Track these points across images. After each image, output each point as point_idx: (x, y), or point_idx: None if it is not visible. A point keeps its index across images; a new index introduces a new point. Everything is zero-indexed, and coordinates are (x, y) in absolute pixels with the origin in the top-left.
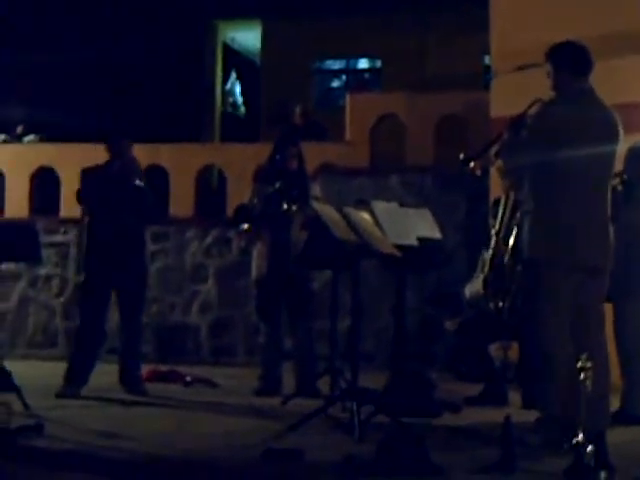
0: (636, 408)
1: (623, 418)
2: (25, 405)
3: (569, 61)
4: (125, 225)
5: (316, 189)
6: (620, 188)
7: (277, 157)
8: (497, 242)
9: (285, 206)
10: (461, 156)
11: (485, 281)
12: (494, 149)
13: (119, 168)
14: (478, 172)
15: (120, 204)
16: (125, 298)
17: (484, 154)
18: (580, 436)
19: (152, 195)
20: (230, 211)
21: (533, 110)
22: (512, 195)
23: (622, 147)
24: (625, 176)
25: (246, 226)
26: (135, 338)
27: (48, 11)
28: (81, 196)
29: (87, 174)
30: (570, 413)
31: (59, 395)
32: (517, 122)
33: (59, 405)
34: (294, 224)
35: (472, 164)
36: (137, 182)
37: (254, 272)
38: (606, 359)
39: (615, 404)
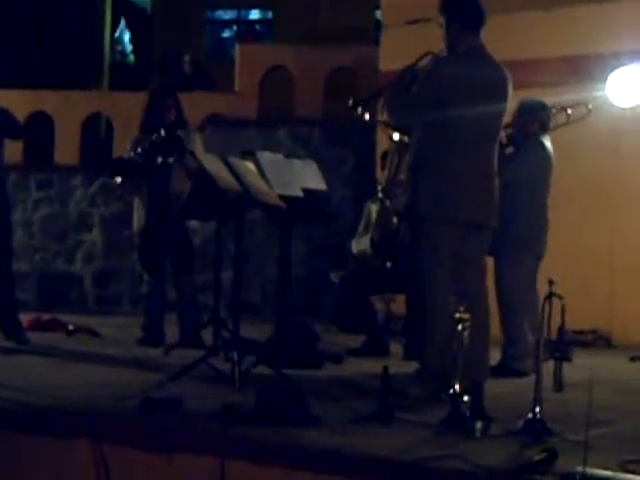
0: (516, 361)
1: (503, 371)
2: None
3: (461, 14)
4: None
5: (199, 138)
6: (505, 142)
7: (153, 106)
8: (384, 199)
9: (159, 159)
10: (350, 101)
11: (372, 238)
12: (382, 100)
13: None
14: (366, 117)
15: None
16: None
17: (372, 101)
18: (457, 387)
19: (4, 111)
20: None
21: (423, 63)
22: (396, 154)
23: (511, 104)
24: (510, 130)
25: (119, 180)
26: (9, 284)
27: None
28: None
29: None
30: (448, 364)
31: None
32: (406, 73)
33: None
34: (173, 176)
35: (360, 109)
36: None
37: (135, 224)
38: (486, 312)
39: (496, 357)
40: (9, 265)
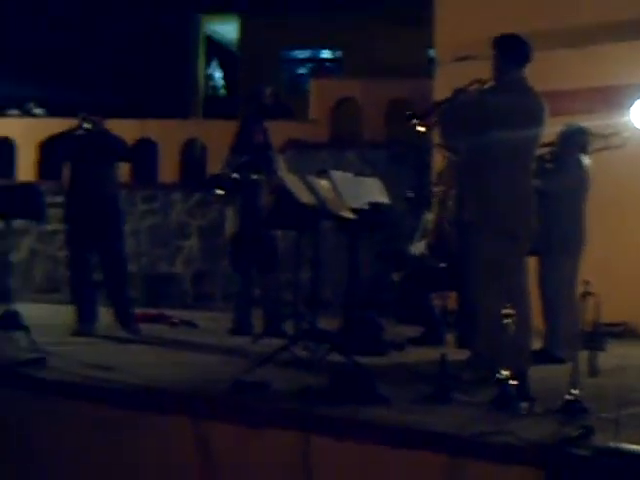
0: (556, 349)
1: (545, 357)
2: (32, 341)
3: (510, 50)
4: (98, 179)
5: (281, 160)
6: (547, 157)
7: (244, 132)
8: (439, 210)
9: (253, 176)
10: (407, 113)
11: (429, 243)
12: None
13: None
14: (420, 129)
15: (90, 160)
16: (106, 247)
17: (427, 115)
18: (504, 372)
19: (119, 139)
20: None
21: (473, 90)
22: (450, 172)
23: (553, 127)
24: (553, 148)
25: (219, 192)
26: (124, 283)
27: (58, 5)
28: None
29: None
30: (496, 352)
31: (75, 333)
32: (457, 94)
33: (63, 341)
34: (261, 190)
35: (415, 121)
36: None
37: (227, 232)
38: (528, 307)
39: (538, 345)
40: (125, 266)
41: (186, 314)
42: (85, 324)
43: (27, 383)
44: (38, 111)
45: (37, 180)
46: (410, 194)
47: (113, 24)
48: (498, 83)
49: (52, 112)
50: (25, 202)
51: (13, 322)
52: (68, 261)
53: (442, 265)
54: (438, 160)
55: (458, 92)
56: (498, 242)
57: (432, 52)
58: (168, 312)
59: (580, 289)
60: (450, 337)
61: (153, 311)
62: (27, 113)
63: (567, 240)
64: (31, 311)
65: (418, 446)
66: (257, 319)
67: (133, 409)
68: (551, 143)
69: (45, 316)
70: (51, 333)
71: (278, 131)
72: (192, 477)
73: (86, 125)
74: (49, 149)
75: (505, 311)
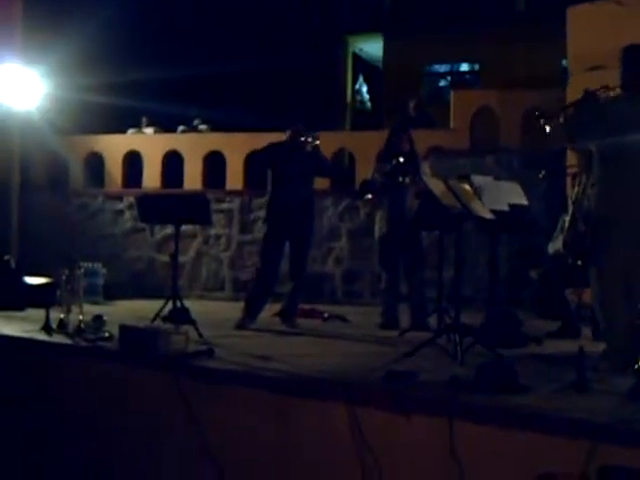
0: None
1: None
2: (199, 334)
3: (636, 62)
4: (300, 189)
5: (426, 166)
6: None
7: (392, 141)
8: (574, 210)
9: (400, 179)
10: (536, 113)
11: (565, 242)
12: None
13: (293, 144)
14: (547, 128)
15: (295, 171)
16: (296, 250)
17: (554, 116)
18: None
19: (325, 158)
20: (358, 185)
21: (602, 94)
22: (584, 175)
23: None
24: None
25: (370, 196)
26: (300, 282)
27: (216, 33)
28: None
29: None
30: (631, 344)
31: (238, 327)
32: (587, 97)
33: (227, 334)
34: (408, 194)
35: (542, 121)
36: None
37: (377, 232)
38: None
39: None
40: (306, 266)
41: (337, 309)
42: (249, 319)
43: (197, 372)
44: (203, 127)
45: (203, 189)
46: (542, 174)
47: (270, 47)
48: (625, 91)
49: (215, 128)
50: (194, 209)
51: (182, 317)
52: (260, 257)
53: (577, 262)
54: (572, 163)
55: (588, 95)
56: (633, 236)
57: (565, 62)
58: (320, 307)
59: None
60: (586, 330)
61: (307, 307)
62: (193, 129)
63: None
64: (198, 307)
65: (557, 432)
66: (404, 314)
67: (290, 395)
68: None
69: (210, 312)
70: (216, 327)
71: (422, 139)
72: (348, 455)
73: (305, 139)
74: (257, 158)
75: None
